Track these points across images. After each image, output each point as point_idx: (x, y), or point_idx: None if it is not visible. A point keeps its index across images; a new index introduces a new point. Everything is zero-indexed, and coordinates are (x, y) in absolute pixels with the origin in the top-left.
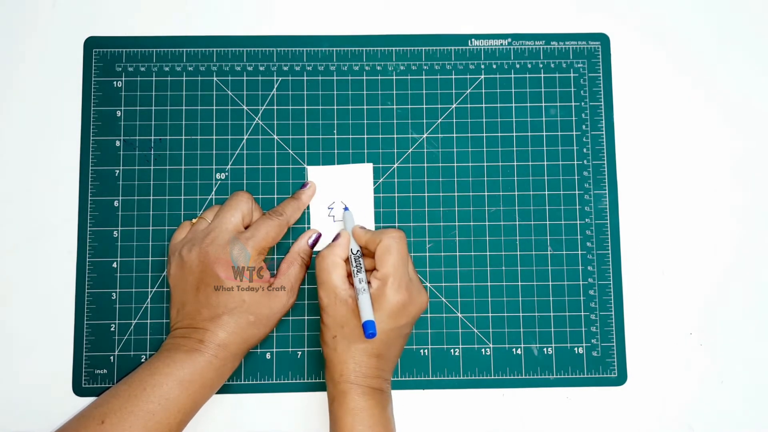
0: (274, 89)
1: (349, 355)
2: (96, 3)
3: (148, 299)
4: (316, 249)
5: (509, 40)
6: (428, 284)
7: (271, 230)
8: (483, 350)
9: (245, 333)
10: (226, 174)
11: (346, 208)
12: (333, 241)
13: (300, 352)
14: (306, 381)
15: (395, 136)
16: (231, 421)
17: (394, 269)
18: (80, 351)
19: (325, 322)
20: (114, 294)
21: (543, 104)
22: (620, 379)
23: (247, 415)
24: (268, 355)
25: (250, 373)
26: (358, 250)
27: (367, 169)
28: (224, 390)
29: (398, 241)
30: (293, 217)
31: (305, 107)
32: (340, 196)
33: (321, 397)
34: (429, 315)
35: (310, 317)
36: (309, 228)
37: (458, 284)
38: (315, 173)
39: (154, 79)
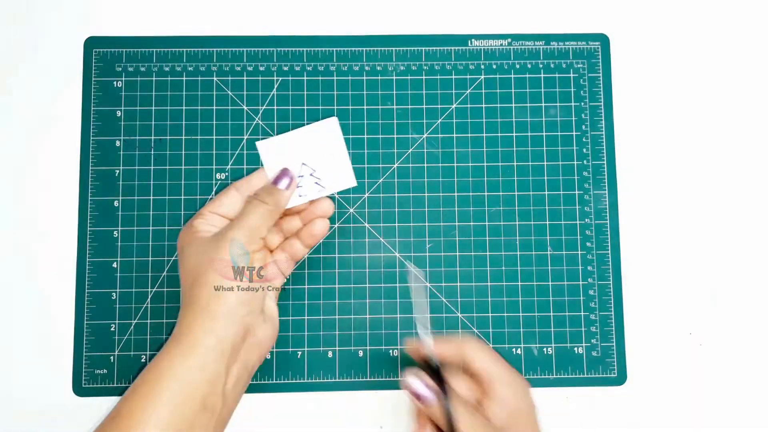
0: (274, 89)
1: None
2: (96, 3)
3: (148, 299)
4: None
5: (509, 40)
6: (428, 284)
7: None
8: None
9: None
10: (226, 174)
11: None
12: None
13: (300, 352)
14: (306, 381)
15: (395, 136)
16: (230, 420)
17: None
18: (80, 351)
19: None
20: (114, 294)
21: (543, 104)
22: (620, 378)
23: (247, 415)
24: (268, 355)
25: None
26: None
27: (332, 124)
28: None
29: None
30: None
31: (305, 107)
32: (309, 160)
33: (322, 397)
34: (429, 315)
35: (311, 317)
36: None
37: (458, 284)
38: (270, 146)
39: (154, 79)
